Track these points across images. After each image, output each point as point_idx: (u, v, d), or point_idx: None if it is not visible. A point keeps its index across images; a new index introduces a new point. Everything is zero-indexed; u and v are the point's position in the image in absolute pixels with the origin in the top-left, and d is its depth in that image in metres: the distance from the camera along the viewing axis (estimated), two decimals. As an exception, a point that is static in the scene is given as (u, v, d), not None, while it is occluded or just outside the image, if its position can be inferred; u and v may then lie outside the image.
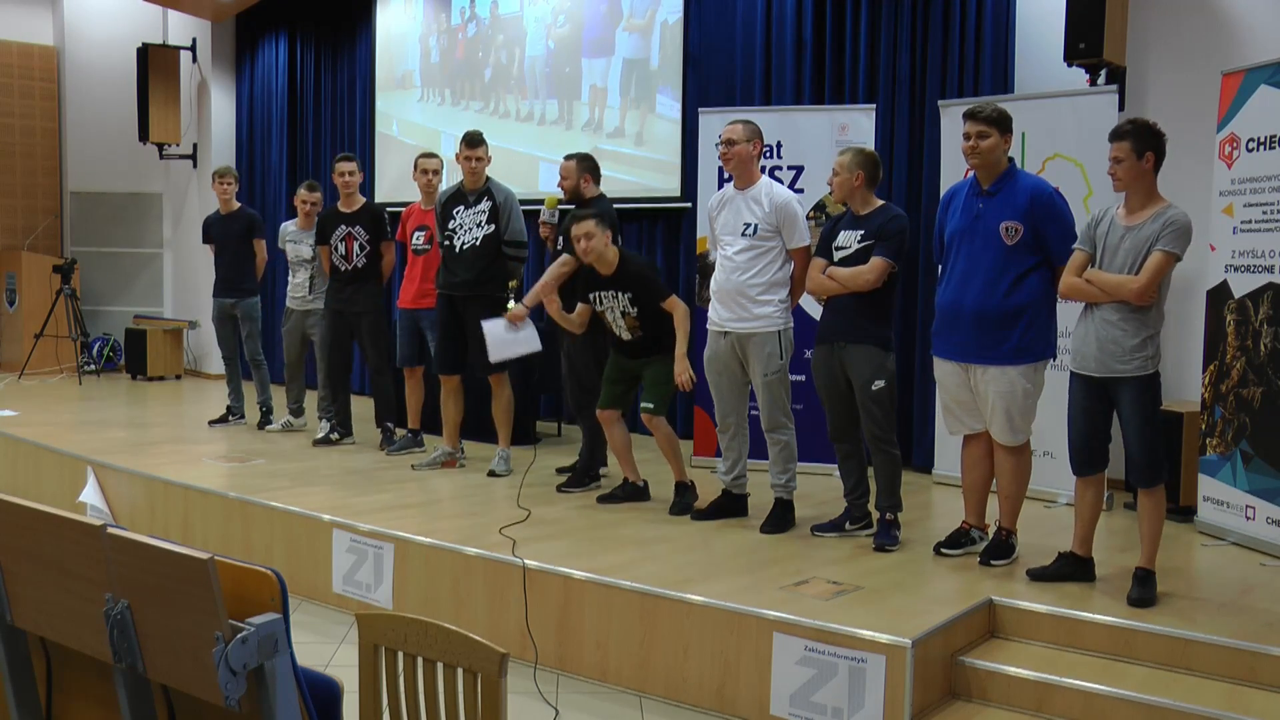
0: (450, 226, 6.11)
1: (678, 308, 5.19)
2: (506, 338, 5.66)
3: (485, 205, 6.05)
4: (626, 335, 5.27)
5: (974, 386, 4.49)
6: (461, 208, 6.10)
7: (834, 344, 4.75)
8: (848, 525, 4.91)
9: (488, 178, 6.16)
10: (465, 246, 6.04)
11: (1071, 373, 4.21)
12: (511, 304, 5.71)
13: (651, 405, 5.27)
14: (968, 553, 4.62)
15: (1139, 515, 4.16)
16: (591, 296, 5.31)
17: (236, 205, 7.72)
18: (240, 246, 7.60)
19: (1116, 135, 4.07)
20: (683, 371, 5.11)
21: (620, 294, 5.21)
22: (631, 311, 5.21)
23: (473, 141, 6.07)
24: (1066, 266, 4.21)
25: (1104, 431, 4.20)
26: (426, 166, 6.58)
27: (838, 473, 5.02)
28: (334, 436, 7.04)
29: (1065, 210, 4.40)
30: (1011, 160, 4.51)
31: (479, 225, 6.04)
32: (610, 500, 5.49)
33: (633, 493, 5.52)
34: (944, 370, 4.60)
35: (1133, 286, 3.97)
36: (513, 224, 6.06)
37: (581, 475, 5.82)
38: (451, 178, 8.50)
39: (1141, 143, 4.01)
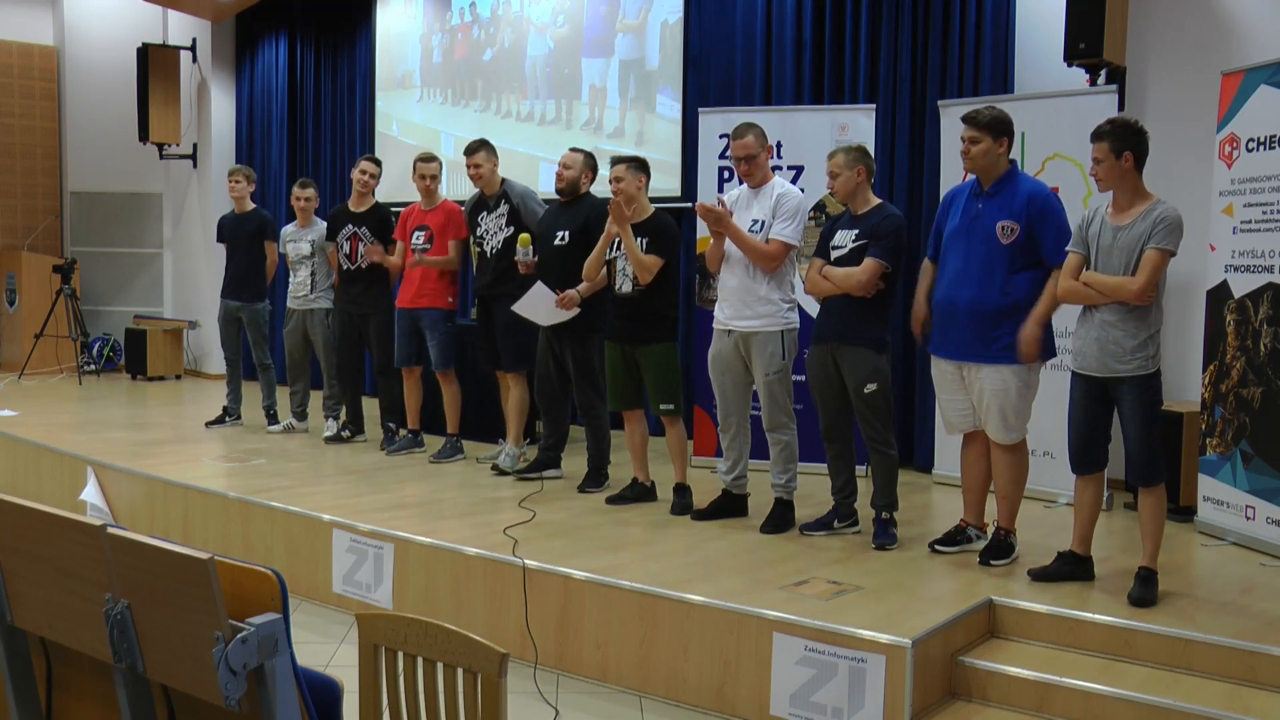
0: (478, 234, 6.26)
1: (652, 266, 5.19)
2: (542, 305, 5.63)
3: (504, 209, 6.16)
4: (627, 287, 5.30)
5: (968, 384, 4.50)
6: (485, 214, 6.24)
7: (828, 344, 4.76)
8: (835, 523, 4.92)
9: (504, 180, 6.26)
10: (493, 251, 6.17)
11: (1072, 372, 4.22)
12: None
13: (671, 406, 5.32)
14: (964, 551, 4.63)
15: (1140, 514, 4.16)
16: (613, 245, 5.38)
17: (250, 206, 7.69)
18: (251, 247, 7.57)
19: (1095, 136, 4.08)
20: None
21: (641, 240, 5.26)
22: (643, 260, 5.26)
23: (467, 150, 6.24)
24: (1062, 270, 4.21)
25: (1104, 431, 4.21)
26: (425, 171, 6.58)
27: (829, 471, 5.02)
28: (345, 434, 7.06)
29: (1061, 212, 4.40)
30: (1013, 163, 4.51)
31: (501, 229, 6.15)
32: (619, 501, 5.49)
33: (641, 493, 5.52)
34: (939, 369, 4.62)
35: (1132, 287, 3.97)
36: (529, 219, 6.12)
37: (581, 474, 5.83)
38: (451, 179, 8.53)
39: (1119, 142, 4.01)
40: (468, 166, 6.22)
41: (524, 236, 5.89)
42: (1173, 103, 5.85)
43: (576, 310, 5.59)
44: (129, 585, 2.03)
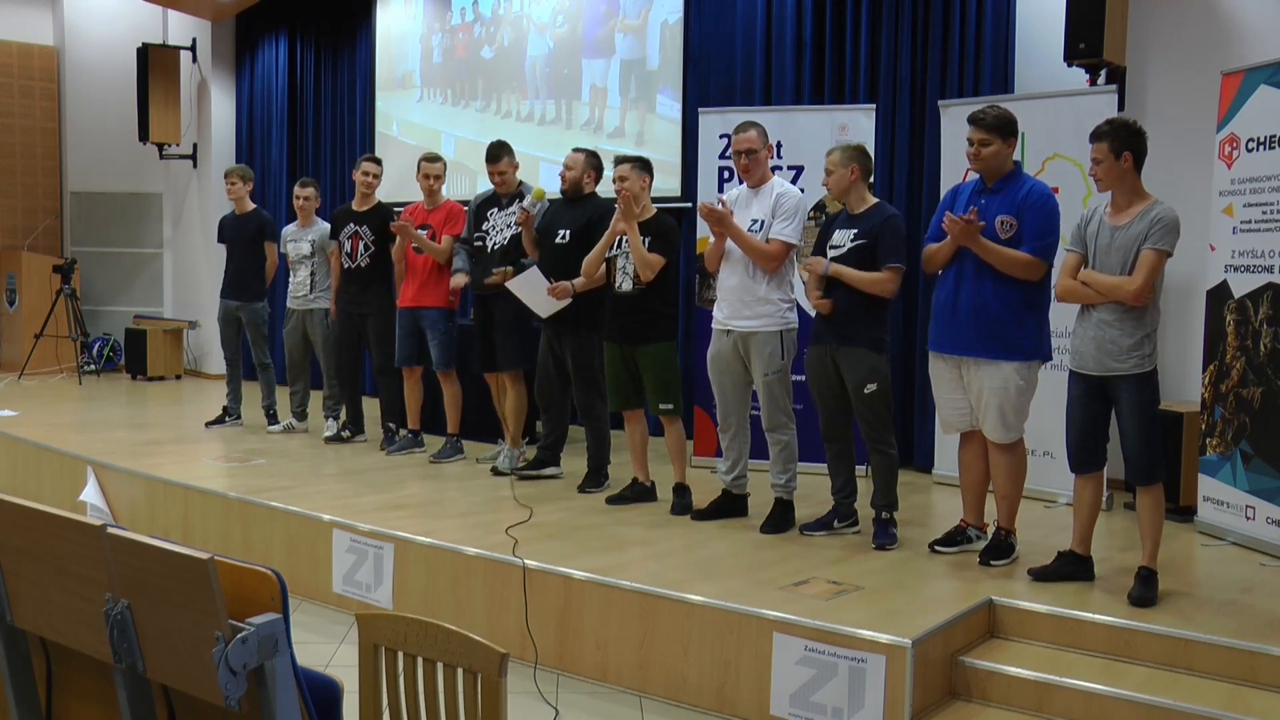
0: (483, 228, 6.25)
1: (655, 264, 5.21)
2: (536, 291, 5.66)
3: (516, 206, 6.16)
4: (627, 285, 5.30)
5: (967, 382, 4.50)
6: (495, 209, 6.26)
7: (827, 345, 4.76)
8: (836, 523, 4.93)
9: (520, 181, 6.30)
10: (496, 247, 6.17)
11: (1070, 371, 4.22)
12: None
13: (670, 406, 5.33)
14: (964, 551, 4.63)
15: (1138, 514, 4.16)
16: (613, 243, 5.39)
17: (251, 206, 7.69)
18: (250, 248, 7.57)
19: (1095, 136, 4.10)
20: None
21: (643, 239, 5.27)
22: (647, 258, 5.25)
23: (490, 157, 6.24)
24: (1061, 269, 4.23)
25: (1102, 430, 4.21)
26: (430, 171, 6.60)
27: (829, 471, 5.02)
28: (344, 434, 7.06)
29: (1054, 214, 4.40)
30: (1018, 163, 4.53)
31: (509, 226, 6.15)
32: (619, 501, 5.49)
33: (641, 493, 5.52)
34: (938, 367, 4.62)
35: (1129, 288, 3.98)
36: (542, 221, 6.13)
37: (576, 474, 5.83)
38: (452, 179, 8.52)
39: (1119, 142, 4.02)
40: (491, 174, 6.22)
41: (539, 190, 5.92)
42: (1173, 103, 5.85)
43: (569, 300, 5.60)
44: (129, 585, 2.03)
